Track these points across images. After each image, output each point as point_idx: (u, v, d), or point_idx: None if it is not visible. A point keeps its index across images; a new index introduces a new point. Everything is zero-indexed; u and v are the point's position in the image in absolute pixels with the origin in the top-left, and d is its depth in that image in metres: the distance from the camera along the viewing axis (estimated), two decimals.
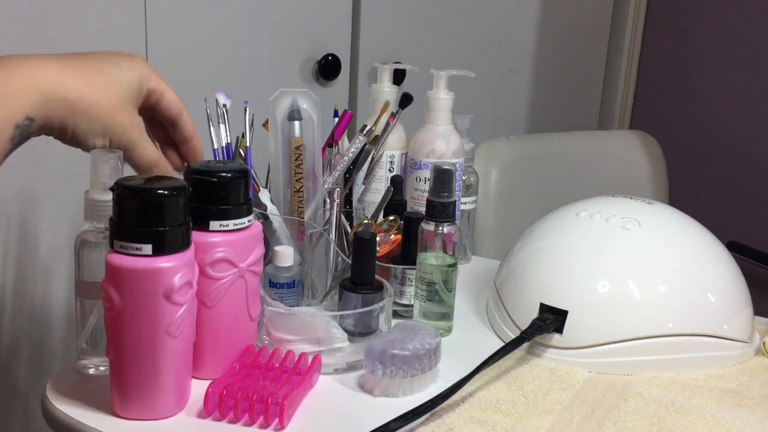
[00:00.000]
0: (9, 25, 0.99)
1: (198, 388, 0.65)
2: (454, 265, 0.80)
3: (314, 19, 1.37)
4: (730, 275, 0.80)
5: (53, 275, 1.06)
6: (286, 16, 1.33)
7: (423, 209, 0.81)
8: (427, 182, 0.90)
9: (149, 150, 0.62)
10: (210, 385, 0.63)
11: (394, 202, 0.89)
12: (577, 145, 1.59)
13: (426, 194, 0.80)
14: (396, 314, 0.84)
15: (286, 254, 0.78)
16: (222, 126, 0.79)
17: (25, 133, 0.55)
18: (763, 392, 0.72)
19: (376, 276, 0.77)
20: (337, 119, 0.94)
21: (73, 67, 0.57)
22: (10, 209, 1.01)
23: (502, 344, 0.74)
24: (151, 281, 0.58)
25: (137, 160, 0.62)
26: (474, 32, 1.67)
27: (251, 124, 0.83)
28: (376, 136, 0.94)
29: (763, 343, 0.80)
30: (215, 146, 0.79)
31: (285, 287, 0.79)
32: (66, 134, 0.58)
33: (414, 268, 0.81)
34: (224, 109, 0.78)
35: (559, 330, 0.76)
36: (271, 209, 0.81)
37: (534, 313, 0.77)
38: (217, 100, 0.78)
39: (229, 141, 0.80)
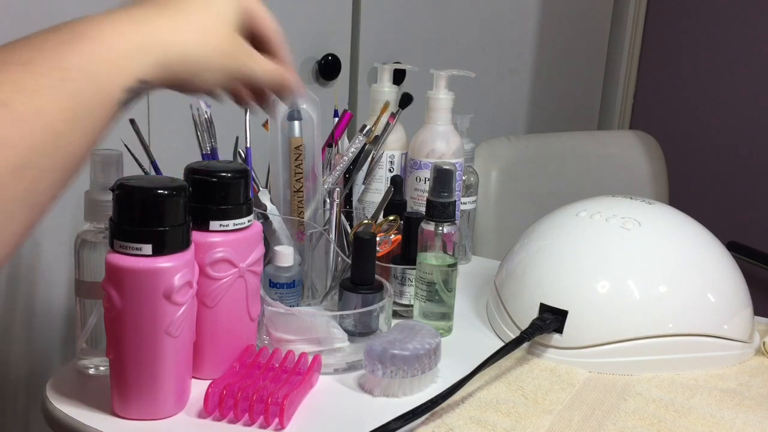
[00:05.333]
0: (9, 25, 0.99)
1: (198, 388, 0.65)
2: (454, 265, 0.80)
3: (314, 19, 1.37)
4: (730, 275, 0.80)
5: (53, 275, 1.06)
6: (285, 16, 1.33)
7: (423, 209, 0.81)
8: (427, 182, 0.90)
9: (268, 65, 0.58)
10: (210, 385, 0.63)
11: (394, 202, 0.89)
12: (577, 145, 1.59)
13: (426, 194, 0.80)
14: (396, 314, 0.84)
15: (286, 254, 0.78)
16: (205, 133, 0.79)
17: (138, 93, 0.49)
18: (763, 392, 0.72)
19: (376, 276, 0.77)
20: (337, 119, 0.94)
21: (174, 15, 0.51)
22: None
23: (502, 344, 0.74)
24: (151, 281, 0.58)
25: (261, 81, 0.58)
26: (474, 32, 1.67)
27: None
28: (376, 136, 0.94)
29: (763, 343, 0.80)
30: (202, 151, 0.79)
31: (285, 287, 0.79)
32: (187, 89, 0.54)
33: (414, 268, 0.81)
34: (205, 116, 0.78)
35: (559, 330, 0.76)
36: (271, 209, 0.81)
37: (534, 313, 0.77)
38: (198, 108, 0.78)
39: (213, 146, 0.79)
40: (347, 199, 0.94)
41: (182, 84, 0.53)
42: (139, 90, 0.49)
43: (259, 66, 0.57)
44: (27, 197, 0.40)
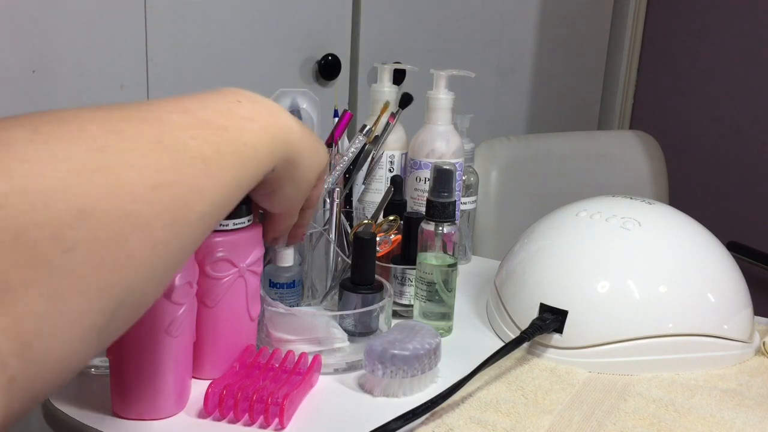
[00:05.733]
0: (9, 25, 0.99)
1: (198, 388, 0.65)
2: (454, 265, 0.80)
3: (314, 19, 1.37)
4: (730, 275, 0.80)
5: None
6: (286, 16, 1.33)
7: (423, 209, 0.81)
8: (427, 182, 0.90)
9: (290, 222, 0.65)
10: (210, 385, 0.63)
11: (394, 202, 0.89)
12: (577, 145, 1.59)
13: (426, 194, 0.80)
14: (396, 314, 0.84)
15: (286, 254, 0.78)
16: None
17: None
18: (763, 392, 0.72)
19: (376, 276, 0.77)
20: (337, 119, 0.94)
21: (303, 132, 0.57)
22: None
23: (502, 344, 0.74)
24: None
25: (278, 225, 0.65)
26: (474, 32, 1.67)
27: None
28: (376, 136, 0.94)
29: (763, 343, 0.80)
30: None
31: (285, 287, 0.79)
32: (272, 192, 0.59)
33: (414, 268, 0.81)
34: None
35: (559, 330, 0.76)
36: None
37: (534, 313, 0.77)
38: None
39: None
40: (347, 199, 0.94)
41: (278, 185, 0.58)
42: (267, 176, 0.54)
43: (294, 218, 0.65)
44: (195, 244, 0.45)
